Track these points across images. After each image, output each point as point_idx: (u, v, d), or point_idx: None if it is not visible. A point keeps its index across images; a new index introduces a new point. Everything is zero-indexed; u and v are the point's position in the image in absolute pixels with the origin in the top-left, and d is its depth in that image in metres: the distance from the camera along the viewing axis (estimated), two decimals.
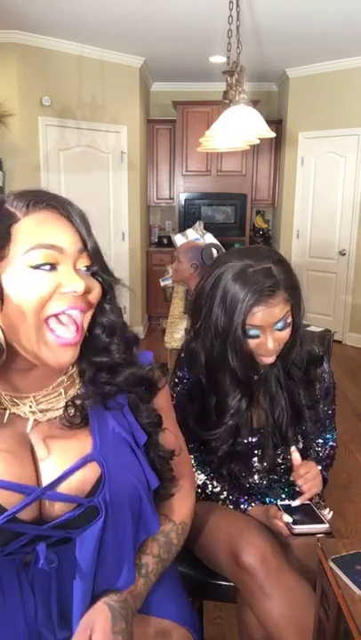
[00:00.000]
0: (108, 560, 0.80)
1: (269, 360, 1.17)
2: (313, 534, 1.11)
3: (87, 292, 0.73)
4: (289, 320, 1.14)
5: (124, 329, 0.84)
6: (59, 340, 0.71)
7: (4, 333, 0.72)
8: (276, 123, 5.27)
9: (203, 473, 1.32)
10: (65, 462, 0.77)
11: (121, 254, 5.06)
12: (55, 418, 0.80)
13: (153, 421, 0.87)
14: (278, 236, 5.68)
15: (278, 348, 1.16)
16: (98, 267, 0.77)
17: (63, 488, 0.76)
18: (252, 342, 1.14)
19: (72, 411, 0.79)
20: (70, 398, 0.81)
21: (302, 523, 1.12)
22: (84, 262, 0.74)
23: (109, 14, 3.67)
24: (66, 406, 0.80)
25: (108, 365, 0.81)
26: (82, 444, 0.79)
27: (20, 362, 0.75)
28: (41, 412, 0.79)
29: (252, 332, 1.12)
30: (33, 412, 0.79)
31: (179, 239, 3.00)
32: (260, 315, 1.10)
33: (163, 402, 0.93)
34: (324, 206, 5.16)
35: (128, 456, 0.82)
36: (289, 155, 5.35)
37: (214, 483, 1.30)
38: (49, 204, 0.74)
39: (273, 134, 2.57)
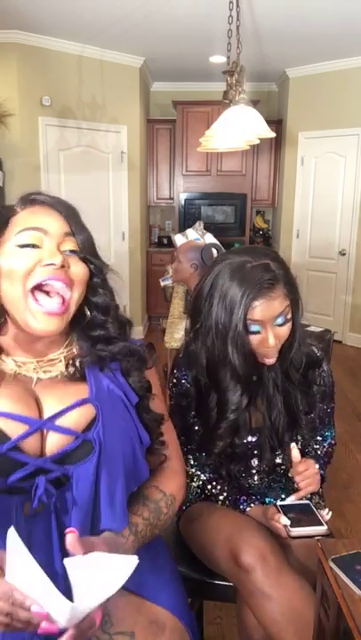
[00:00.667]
0: (103, 499, 0.85)
1: (271, 361, 1.17)
2: (311, 537, 1.11)
3: (67, 267, 0.85)
4: (289, 316, 1.14)
5: (117, 310, 0.96)
6: (42, 309, 0.83)
7: (3, 306, 0.86)
8: (276, 123, 5.27)
9: (202, 474, 1.32)
10: (64, 403, 0.87)
11: (121, 254, 5.06)
12: (56, 376, 0.91)
13: (143, 385, 0.97)
14: (278, 236, 5.68)
15: (279, 346, 1.16)
16: (86, 253, 0.89)
17: (62, 422, 0.86)
18: (253, 339, 1.13)
19: (72, 369, 0.91)
20: (71, 359, 0.92)
21: (300, 524, 1.11)
22: (69, 245, 0.87)
23: (109, 14, 3.67)
24: (66, 365, 0.91)
25: (104, 338, 0.94)
26: (80, 392, 0.90)
27: (22, 335, 0.88)
28: (44, 372, 0.90)
29: (253, 328, 1.12)
30: (37, 372, 0.90)
31: (179, 239, 3.00)
32: (260, 309, 1.10)
33: (151, 378, 1.02)
34: (324, 206, 5.16)
35: (122, 409, 0.92)
36: (289, 155, 5.35)
37: (214, 483, 1.30)
38: (43, 201, 0.90)
39: (273, 134, 2.57)
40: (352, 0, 3.36)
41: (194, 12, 3.59)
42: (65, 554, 0.83)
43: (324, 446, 1.38)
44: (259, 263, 1.11)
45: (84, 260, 0.89)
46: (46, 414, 0.86)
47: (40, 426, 0.84)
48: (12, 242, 0.85)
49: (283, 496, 1.33)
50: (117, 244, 5.07)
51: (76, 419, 0.86)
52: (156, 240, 5.99)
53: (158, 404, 1.03)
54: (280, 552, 1.13)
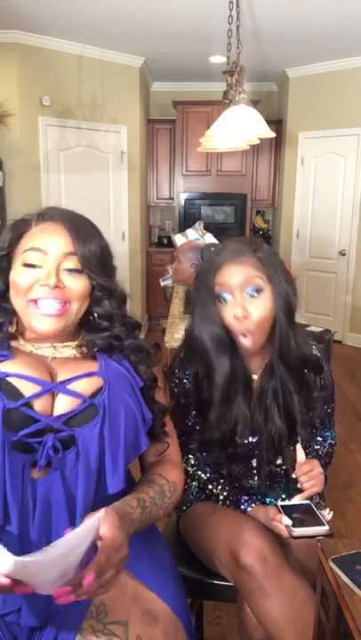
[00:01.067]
0: (107, 463, 0.91)
1: (246, 341, 1.17)
2: (312, 537, 1.11)
3: (62, 287, 0.93)
4: (264, 292, 1.15)
5: (124, 316, 1.04)
6: (41, 312, 0.93)
7: (15, 311, 0.98)
8: (276, 123, 5.27)
9: (203, 473, 1.32)
10: (75, 373, 0.96)
11: (121, 254, 5.06)
12: (70, 356, 1.00)
13: (150, 377, 1.04)
14: (278, 236, 5.68)
15: (252, 324, 1.15)
16: (89, 270, 0.96)
17: (71, 387, 0.94)
18: (223, 310, 1.17)
19: (84, 349, 1.01)
20: (83, 342, 1.01)
21: (302, 525, 1.11)
22: (69, 264, 0.95)
23: (109, 14, 3.67)
24: (79, 346, 1.01)
25: (113, 336, 1.01)
26: (90, 367, 0.98)
27: (33, 334, 0.98)
28: (59, 353, 0.99)
29: (222, 294, 1.16)
30: (52, 353, 0.99)
31: (179, 239, 3.00)
32: (226, 273, 1.15)
33: (157, 374, 1.08)
34: (324, 206, 5.17)
35: (128, 388, 0.99)
36: (289, 155, 5.36)
37: (215, 483, 1.30)
38: (55, 218, 0.97)
39: (273, 134, 2.57)
40: (352, 0, 3.36)
41: (194, 12, 3.59)
42: (70, 517, 0.87)
43: (325, 446, 1.38)
44: (237, 239, 1.15)
45: (85, 275, 0.96)
46: (58, 380, 0.94)
47: (51, 388, 0.92)
48: (20, 258, 0.95)
49: (283, 496, 1.33)
50: (117, 244, 5.07)
51: (85, 386, 0.94)
52: (156, 240, 5.99)
53: (162, 398, 1.09)
54: (280, 552, 1.12)
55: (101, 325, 1.01)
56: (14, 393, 0.89)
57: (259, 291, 1.15)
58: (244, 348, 1.20)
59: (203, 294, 1.20)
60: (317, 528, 1.11)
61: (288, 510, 1.15)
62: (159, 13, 3.63)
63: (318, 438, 1.38)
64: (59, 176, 4.62)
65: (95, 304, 1.00)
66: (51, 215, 0.98)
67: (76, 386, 0.94)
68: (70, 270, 0.95)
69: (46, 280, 0.93)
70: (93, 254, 0.96)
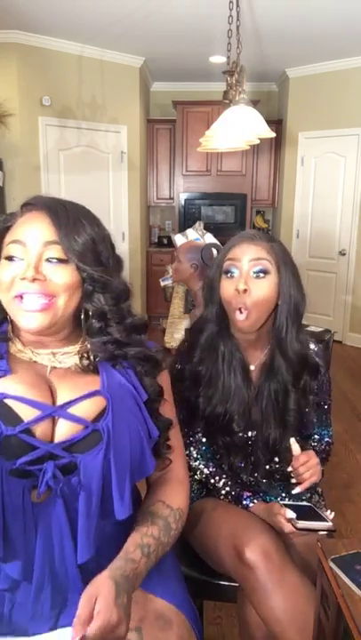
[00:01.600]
0: (114, 491, 0.87)
1: (242, 317, 1.19)
2: (317, 530, 1.11)
3: (43, 279, 0.87)
4: (269, 275, 1.19)
5: (122, 313, 0.96)
6: (24, 307, 0.87)
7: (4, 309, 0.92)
8: (276, 123, 5.27)
9: (205, 467, 1.32)
10: (77, 393, 0.90)
11: (121, 254, 4.99)
12: (70, 367, 0.94)
13: (155, 389, 0.99)
14: (278, 235, 5.68)
15: (250, 298, 1.18)
16: (75, 259, 0.88)
17: (73, 410, 0.88)
18: (226, 285, 1.21)
19: (85, 362, 0.94)
20: (85, 351, 0.95)
21: (306, 519, 1.12)
22: (51, 254, 0.88)
23: (109, 14, 3.67)
24: (80, 358, 0.94)
25: (111, 341, 0.94)
26: (92, 383, 0.92)
27: (27, 334, 0.92)
28: (59, 362, 0.94)
29: (229, 268, 1.21)
30: (52, 362, 0.93)
31: (179, 239, 3.00)
32: (238, 249, 1.22)
33: (163, 382, 1.03)
34: (324, 206, 5.16)
35: (132, 404, 0.93)
36: (289, 155, 5.35)
37: (217, 478, 1.30)
38: (39, 206, 0.91)
39: (273, 134, 2.57)
40: (352, 0, 3.36)
41: (194, 12, 3.59)
42: (74, 541, 0.86)
43: (322, 444, 1.39)
44: (253, 229, 1.20)
45: (72, 266, 0.89)
46: (59, 402, 0.89)
47: (52, 412, 0.86)
48: (4, 252, 0.90)
49: (283, 494, 1.33)
50: (117, 244, 4.94)
51: (87, 409, 0.89)
52: (156, 240, 5.99)
53: (168, 410, 1.04)
54: (284, 549, 1.12)
55: (95, 326, 0.93)
56: (12, 417, 0.83)
57: (265, 272, 1.19)
58: (238, 325, 1.22)
59: (212, 271, 1.28)
60: (321, 523, 1.11)
61: (290, 509, 1.15)
62: (159, 13, 3.63)
63: (315, 436, 1.38)
64: (59, 176, 4.62)
65: (86, 299, 0.92)
66: (34, 205, 0.92)
67: (79, 409, 0.88)
68: (52, 260, 0.88)
69: (24, 273, 0.86)
70: (82, 242, 0.89)
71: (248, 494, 1.26)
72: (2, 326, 0.96)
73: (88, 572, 0.84)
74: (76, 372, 0.93)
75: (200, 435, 1.33)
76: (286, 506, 1.16)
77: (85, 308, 0.93)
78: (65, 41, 4.32)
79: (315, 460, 1.23)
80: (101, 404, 0.89)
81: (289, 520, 1.12)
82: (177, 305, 2.89)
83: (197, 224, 3.18)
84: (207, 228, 3.49)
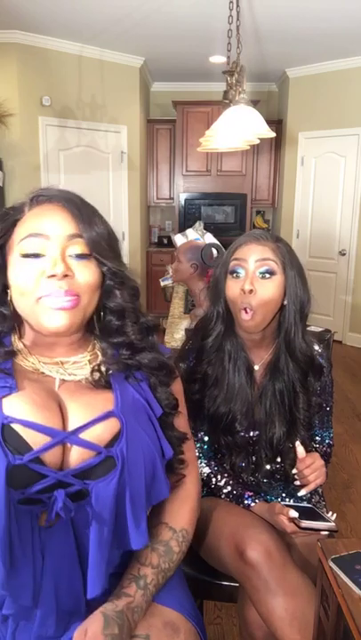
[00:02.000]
0: (129, 519, 0.83)
1: (247, 317, 1.19)
2: (320, 530, 1.12)
3: (72, 276, 0.80)
4: (275, 275, 1.19)
5: (137, 312, 0.90)
6: (53, 305, 0.79)
7: (14, 311, 0.84)
8: (276, 123, 5.27)
9: (207, 466, 1.32)
10: (89, 414, 0.83)
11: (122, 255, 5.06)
12: (80, 380, 0.87)
13: (171, 402, 0.93)
14: (278, 235, 5.67)
15: (255, 299, 1.18)
16: (99, 254, 0.83)
17: (85, 435, 0.82)
18: (232, 285, 1.21)
19: (97, 375, 0.87)
20: (96, 364, 0.89)
21: (308, 519, 1.12)
22: (75, 249, 0.81)
23: (109, 14, 3.67)
24: (92, 371, 0.88)
25: (125, 344, 0.89)
26: (105, 402, 0.85)
27: (39, 337, 0.86)
28: (69, 374, 0.87)
29: (235, 268, 1.21)
30: (61, 374, 0.86)
31: (179, 239, 3.00)
32: (245, 249, 1.21)
33: (177, 390, 0.99)
34: (324, 206, 5.17)
35: (145, 422, 0.88)
36: (289, 155, 5.36)
37: (218, 477, 1.30)
38: (50, 198, 0.84)
39: (273, 134, 2.57)
40: (352, 0, 3.36)
41: (194, 12, 3.59)
42: (84, 567, 0.82)
43: (324, 445, 1.39)
44: (260, 229, 1.21)
45: (94, 262, 0.84)
46: (70, 425, 0.82)
47: (63, 438, 0.80)
48: (16, 250, 0.81)
49: (283, 495, 1.33)
50: None
51: (100, 433, 0.82)
52: (156, 240, 5.99)
53: (182, 422, 0.99)
54: (285, 549, 1.13)
55: (112, 325, 0.88)
56: (21, 445, 0.77)
57: (271, 273, 1.19)
58: (243, 325, 1.21)
59: (218, 271, 1.27)
60: (324, 523, 1.11)
61: (292, 509, 1.15)
62: (159, 13, 3.63)
63: (317, 438, 1.38)
64: (59, 176, 4.62)
65: (106, 296, 0.86)
66: (46, 196, 0.84)
67: (91, 433, 0.82)
68: (78, 256, 0.81)
69: (53, 269, 0.78)
70: (101, 235, 0.83)
71: (249, 494, 1.26)
72: (5, 338, 0.87)
73: (95, 599, 0.83)
74: (87, 386, 0.87)
75: (202, 434, 1.33)
76: (288, 506, 1.16)
77: (105, 306, 0.87)
78: (65, 41, 4.32)
79: (320, 461, 1.23)
80: (115, 427, 0.83)
81: (292, 520, 1.11)
82: (177, 305, 2.89)
83: (197, 224, 3.18)
84: (207, 228, 3.49)
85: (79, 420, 0.82)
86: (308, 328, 1.54)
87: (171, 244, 5.06)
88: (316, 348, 1.33)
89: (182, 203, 5.59)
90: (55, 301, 0.79)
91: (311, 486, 1.21)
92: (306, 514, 1.14)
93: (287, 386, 1.27)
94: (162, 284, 3.48)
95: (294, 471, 1.23)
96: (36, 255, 0.80)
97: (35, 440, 0.78)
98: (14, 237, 0.82)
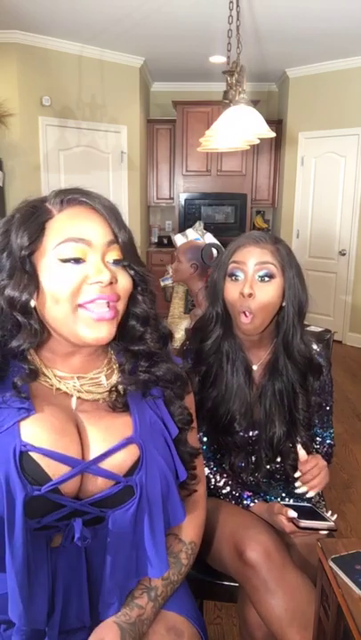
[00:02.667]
0: (148, 547, 0.82)
1: (247, 321, 1.18)
2: (319, 530, 1.12)
3: (113, 282, 0.78)
4: (275, 279, 1.18)
5: (157, 319, 0.89)
6: (93, 315, 0.76)
7: (40, 317, 0.78)
8: (276, 123, 5.27)
9: (206, 467, 1.32)
10: (108, 441, 0.81)
11: None
12: (98, 400, 0.85)
13: (185, 418, 0.91)
14: (278, 235, 5.67)
15: (255, 302, 1.17)
16: (129, 259, 0.81)
17: (105, 464, 0.80)
18: (231, 288, 1.20)
19: (114, 396, 0.85)
20: (113, 384, 0.86)
21: (308, 518, 1.12)
22: (113, 255, 0.79)
23: (109, 14, 3.67)
24: (109, 391, 0.85)
25: (145, 353, 0.86)
26: (124, 426, 0.83)
27: (58, 347, 0.82)
28: (86, 392, 0.84)
29: (234, 272, 1.20)
30: (78, 391, 0.83)
31: (179, 239, 3.00)
32: (244, 252, 1.20)
33: (190, 404, 0.97)
34: (324, 206, 5.17)
35: (162, 445, 0.86)
36: (289, 155, 5.36)
37: (217, 477, 1.30)
38: (81, 200, 0.80)
39: (273, 134, 2.57)
40: (352, 0, 3.36)
41: (194, 12, 3.59)
42: (93, 588, 0.82)
43: (325, 446, 1.38)
44: (258, 230, 1.21)
45: (125, 267, 0.82)
46: (90, 452, 0.80)
47: (83, 469, 0.78)
48: (52, 254, 0.76)
49: (283, 494, 1.33)
50: None
51: (120, 461, 0.80)
52: (156, 240, 5.99)
53: (193, 437, 0.97)
54: (284, 549, 1.13)
55: (135, 332, 0.85)
56: (38, 474, 0.74)
57: (270, 277, 1.18)
58: (243, 328, 1.21)
59: (216, 272, 1.26)
60: (323, 522, 1.11)
61: (292, 509, 1.15)
62: (159, 13, 3.63)
63: (318, 439, 1.38)
64: (59, 176, 4.62)
65: (132, 303, 0.84)
66: (79, 200, 0.80)
67: (111, 462, 0.80)
68: (115, 262, 0.79)
69: (98, 276, 0.75)
70: (130, 240, 0.82)
71: (249, 494, 1.26)
72: (23, 356, 0.81)
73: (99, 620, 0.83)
74: (105, 408, 0.84)
75: (201, 434, 1.33)
76: (287, 506, 1.16)
77: (130, 312, 0.84)
78: (65, 41, 4.32)
79: (322, 462, 1.23)
80: (135, 454, 0.81)
81: (291, 519, 1.11)
82: (177, 305, 2.89)
83: (197, 224, 3.18)
84: (207, 228, 3.50)
85: (99, 448, 0.80)
86: (308, 328, 1.54)
87: (171, 243, 5.06)
88: (315, 347, 1.32)
89: (182, 203, 5.59)
90: (96, 312, 0.77)
91: (316, 489, 1.20)
92: (305, 514, 1.14)
93: (286, 386, 1.27)
94: (162, 284, 3.48)
95: (297, 474, 1.23)
96: (77, 260, 0.76)
97: (53, 470, 0.75)
98: (46, 240, 0.77)
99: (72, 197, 0.80)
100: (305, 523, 1.10)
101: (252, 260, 1.18)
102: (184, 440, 0.92)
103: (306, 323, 1.33)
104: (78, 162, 4.73)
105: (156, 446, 0.84)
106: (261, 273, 1.18)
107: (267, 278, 1.18)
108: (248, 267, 1.18)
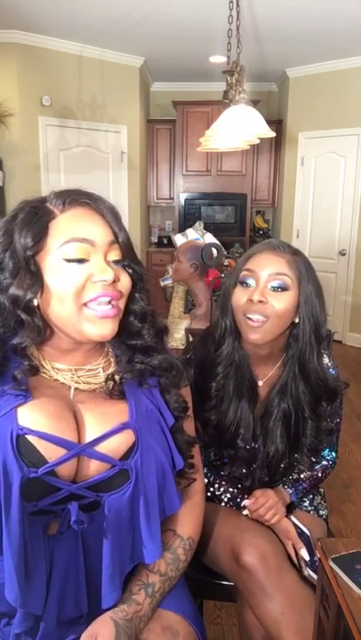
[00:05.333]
0: (143, 532, 0.83)
1: (255, 336, 1.11)
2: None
3: (116, 281, 0.81)
4: (289, 290, 1.11)
5: (154, 316, 0.91)
6: (98, 313, 0.79)
7: (43, 315, 0.80)
8: (276, 123, 5.27)
9: (205, 476, 1.31)
10: (104, 426, 0.83)
11: None
12: (95, 390, 0.87)
13: (181, 405, 0.93)
14: (278, 235, 5.68)
15: (266, 312, 1.10)
16: (129, 259, 0.84)
17: (101, 448, 0.82)
18: (240, 293, 1.13)
19: (111, 384, 0.87)
20: (110, 372, 0.88)
21: (313, 567, 1.11)
22: (114, 255, 0.82)
23: (109, 14, 3.67)
24: (106, 380, 0.87)
25: (141, 347, 0.89)
26: (120, 413, 0.85)
27: (59, 342, 0.84)
28: (84, 383, 0.86)
29: (246, 280, 1.13)
30: (75, 382, 0.86)
31: (179, 239, 3.00)
32: (259, 260, 1.13)
33: (186, 394, 0.98)
34: (324, 206, 5.16)
35: (158, 433, 0.88)
36: (289, 155, 5.36)
37: (216, 485, 1.30)
38: (83, 201, 0.82)
39: (273, 134, 2.57)
40: (352, 0, 3.36)
41: (194, 12, 3.59)
42: (90, 575, 0.82)
43: (315, 470, 1.32)
44: (278, 240, 1.17)
45: (125, 266, 0.85)
46: (86, 437, 0.82)
47: (79, 451, 0.80)
48: (56, 254, 0.78)
49: None
50: None
51: (115, 445, 0.82)
52: (156, 240, 5.99)
53: (190, 426, 0.98)
54: (281, 552, 1.13)
55: (133, 328, 0.88)
56: (35, 457, 0.76)
57: (283, 289, 1.11)
58: (249, 336, 1.13)
59: (228, 280, 1.22)
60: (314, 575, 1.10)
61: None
62: (159, 13, 3.63)
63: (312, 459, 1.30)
64: (59, 176, 4.62)
65: (131, 300, 0.87)
66: (81, 200, 0.82)
67: (107, 445, 0.82)
68: (116, 261, 0.82)
69: (102, 275, 0.78)
70: (128, 239, 0.85)
71: (248, 497, 1.25)
72: (24, 353, 0.82)
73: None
74: (102, 396, 0.87)
75: (201, 443, 1.31)
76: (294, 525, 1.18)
77: (129, 310, 0.87)
78: (65, 41, 4.32)
79: (274, 499, 1.20)
80: (130, 439, 0.83)
81: (301, 559, 1.13)
82: (177, 305, 2.89)
83: (197, 224, 3.18)
84: (207, 227, 3.49)
85: (95, 432, 0.82)
86: None
87: (171, 243, 5.06)
88: (333, 372, 1.25)
89: (182, 203, 5.59)
90: (99, 310, 0.79)
91: (272, 522, 1.19)
92: (304, 541, 1.17)
93: (295, 409, 1.21)
94: (162, 283, 3.48)
95: (245, 512, 1.22)
96: (81, 260, 0.78)
97: (50, 452, 0.77)
98: (50, 241, 0.79)
99: (74, 198, 0.82)
100: (310, 574, 1.11)
101: (266, 270, 1.11)
102: (181, 428, 0.93)
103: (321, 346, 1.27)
104: (78, 162, 4.73)
105: (152, 433, 0.86)
106: (275, 284, 1.11)
107: (280, 290, 1.11)
108: (261, 276, 1.11)
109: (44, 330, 0.80)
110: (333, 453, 1.36)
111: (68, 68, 4.46)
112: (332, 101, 4.88)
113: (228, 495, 1.28)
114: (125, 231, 0.85)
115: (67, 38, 4.28)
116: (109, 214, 0.83)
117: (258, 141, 2.67)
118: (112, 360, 0.91)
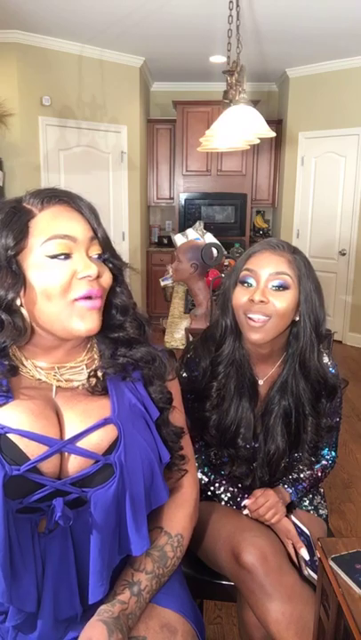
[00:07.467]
0: (129, 525, 0.83)
1: (256, 336, 1.12)
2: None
3: (99, 276, 0.81)
4: (289, 290, 1.12)
5: (135, 309, 0.92)
6: (86, 306, 0.80)
7: (27, 315, 0.81)
8: (276, 123, 5.27)
9: (204, 475, 1.32)
10: (86, 422, 0.84)
11: (121, 254, 5.00)
12: (78, 387, 0.87)
13: (165, 397, 0.93)
14: (278, 235, 5.68)
15: (267, 311, 1.11)
16: (108, 253, 0.86)
17: (83, 443, 0.82)
18: (240, 293, 1.14)
19: (93, 381, 0.87)
20: (92, 369, 0.89)
21: (313, 567, 1.11)
22: (95, 250, 0.83)
23: (109, 14, 3.67)
24: (88, 377, 0.88)
25: (124, 340, 0.89)
26: (102, 408, 0.86)
27: (43, 341, 0.84)
28: (65, 381, 0.87)
29: (246, 280, 1.14)
30: (58, 380, 0.86)
31: (179, 239, 3.00)
32: (259, 259, 1.14)
33: (173, 388, 0.98)
34: (324, 206, 5.16)
35: (143, 427, 0.88)
36: (289, 154, 5.36)
37: (216, 485, 1.30)
38: (61, 199, 0.83)
39: (273, 134, 2.57)
40: (352, 0, 3.36)
41: (194, 12, 3.59)
42: (80, 573, 0.82)
43: (314, 469, 1.32)
44: (277, 239, 1.18)
45: (105, 261, 0.86)
46: (67, 433, 0.83)
47: (60, 447, 0.80)
48: (38, 252, 0.79)
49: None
50: (117, 243, 5.02)
51: (98, 441, 0.83)
52: (156, 240, 5.99)
53: (178, 417, 0.98)
54: (281, 552, 1.13)
55: (115, 321, 0.88)
56: (17, 455, 0.77)
57: (284, 288, 1.12)
58: (250, 336, 1.14)
59: (228, 280, 1.22)
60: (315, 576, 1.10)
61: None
62: (159, 13, 3.63)
63: (312, 458, 1.31)
64: (59, 176, 4.62)
65: (112, 294, 0.87)
66: (59, 198, 0.83)
67: (89, 441, 0.82)
68: (98, 257, 0.83)
69: (86, 270, 0.79)
70: (107, 234, 0.86)
71: (248, 496, 1.26)
72: (3, 353, 0.83)
73: (94, 605, 0.83)
74: (84, 393, 0.87)
75: (201, 444, 1.31)
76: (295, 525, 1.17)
77: (114, 304, 0.88)
78: (65, 41, 4.32)
79: (274, 499, 1.21)
80: (113, 433, 0.83)
81: (301, 559, 1.12)
82: (177, 305, 2.89)
83: (197, 224, 3.17)
84: (207, 227, 3.50)
85: (76, 428, 0.83)
86: None
87: (171, 243, 5.06)
88: (332, 370, 1.26)
89: (182, 203, 5.59)
90: (88, 303, 0.80)
91: (271, 522, 1.20)
92: (305, 542, 1.16)
93: (296, 406, 1.22)
94: (162, 283, 3.48)
95: (245, 512, 1.22)
96: (65, 255, 0.79)
97: (31, 450, 0.78)
98: (31, 239, 0.79)
99: (52, 196, 0.83)
100: (310, 573, 1.10)
101: (267, 269, 1.12)
102: (166, 420, 0.93)
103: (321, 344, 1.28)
104: (78, 162, 4.73)
105: (136, 428, 0.86)
106: (276, 283, 1.12)
107: (281, 289, 1.12)
108: (261, 276, 1.12)
109: (24, 329, 0.80)
110: (333, 453, 1.36)
111: (69, 68, 4.46)
112: (332, 101, 4.88)
113: (229, 494, 1.28)
114: (103, 227, 0.86)
115: (67, 38, 4.28)
116: (87, 211, 0.84)
117: (258, 141, 2.67)
118: (96, 356, 0.91)
